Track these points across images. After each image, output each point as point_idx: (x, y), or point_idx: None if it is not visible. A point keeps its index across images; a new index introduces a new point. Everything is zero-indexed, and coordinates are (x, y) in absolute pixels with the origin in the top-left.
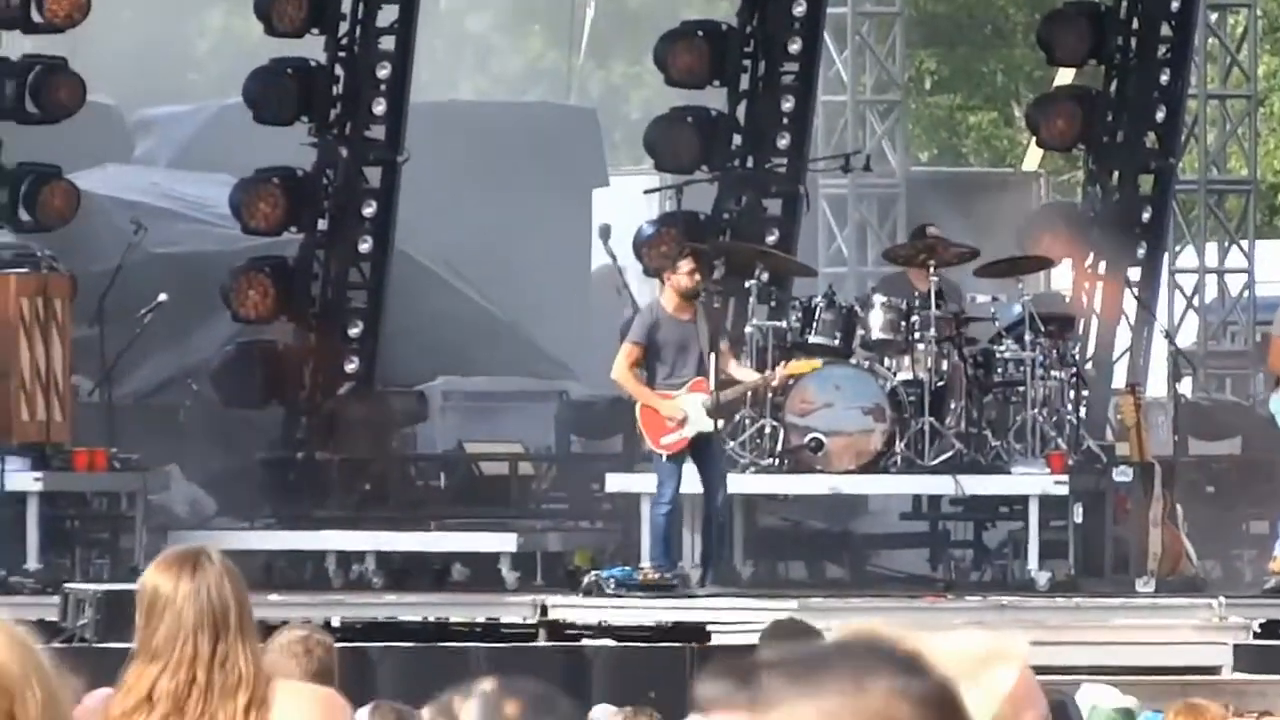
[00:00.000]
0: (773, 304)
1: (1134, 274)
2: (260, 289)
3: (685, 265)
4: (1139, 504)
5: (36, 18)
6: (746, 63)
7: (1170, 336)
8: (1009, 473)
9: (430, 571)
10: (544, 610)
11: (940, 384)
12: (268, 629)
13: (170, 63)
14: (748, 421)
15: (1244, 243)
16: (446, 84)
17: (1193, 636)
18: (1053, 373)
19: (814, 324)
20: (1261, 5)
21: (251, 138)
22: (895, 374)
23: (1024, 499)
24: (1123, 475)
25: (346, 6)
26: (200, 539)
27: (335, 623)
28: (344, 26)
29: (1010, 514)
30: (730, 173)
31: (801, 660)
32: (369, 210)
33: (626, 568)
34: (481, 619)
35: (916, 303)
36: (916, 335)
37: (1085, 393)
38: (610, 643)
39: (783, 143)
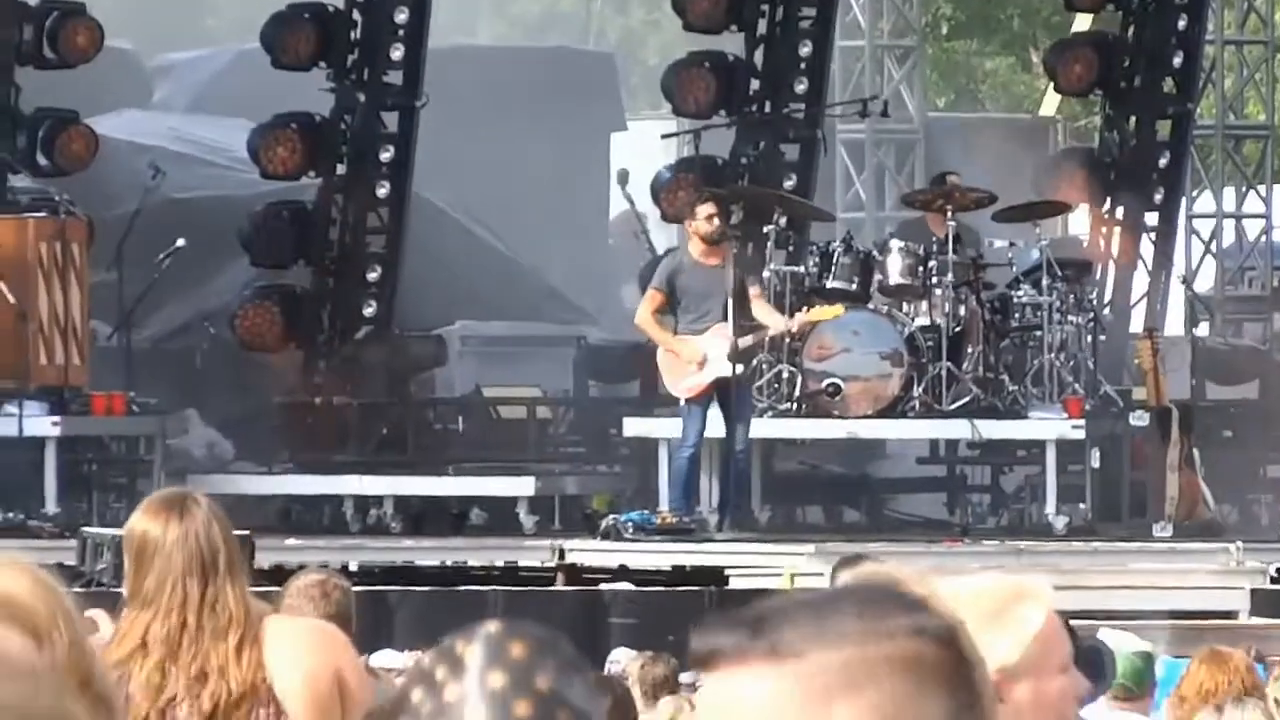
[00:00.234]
0: (790, 249)
1: (1151, 219)
2: (278, 234)
3: (704, 210)
4: (1156, 448)
5: None
6: (764, 7)
7: (1187, 281)
8: (1026, 417)
9: (448, 516)
10: (562, 554)
11: (957, 329)
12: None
13: (188, 7)
14: (765, 367)
15: (1261, 188)
16: (464, 28)
17: (1210, 581)
18: (1070, 318)
19: (832, 269)
20: None
21: (269, 82)
22: (913, 319)
23: (1041, 444)
24: (1140, 420)
25: None
26: (218, 483)
27: (353, 567)
28: None
29: (1027, 458)
30: (748, 118)
31: (815, 606)
32: (387, 155)
33: (644, 512)
34: (499, 563)
35: (934, 248)
36: (934, 280)
37: (1102, 337)
38: (628, 586)
39: (800, 88)
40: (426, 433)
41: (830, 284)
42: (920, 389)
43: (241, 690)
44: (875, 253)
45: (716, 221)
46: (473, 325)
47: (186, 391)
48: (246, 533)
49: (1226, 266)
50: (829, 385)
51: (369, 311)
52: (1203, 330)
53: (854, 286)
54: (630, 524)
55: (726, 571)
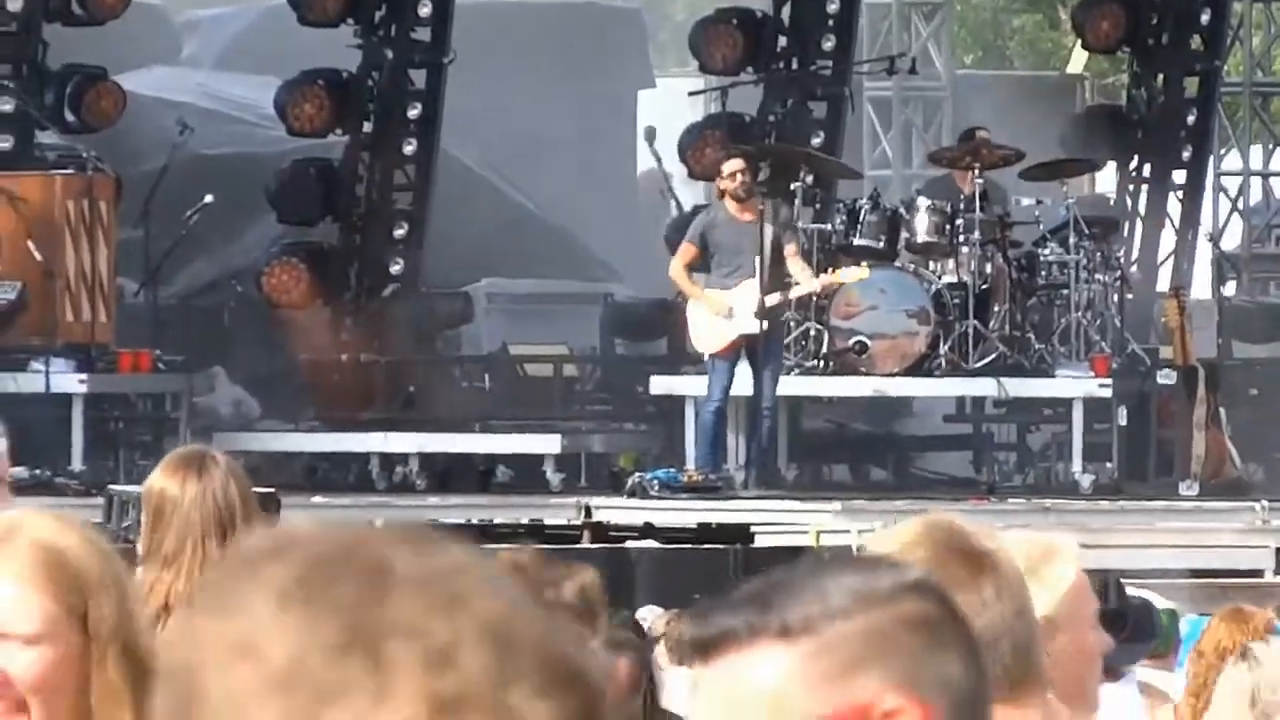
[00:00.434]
0: (817, 207)
1: (1178, 177)
2: (305, 191)
3: (731, 167)
4: (1183, 407)
5: None
6: None
7: (1215, 239)
8: (1053, 376)
9: (474, 473)
10: (588, 512)
11: (984, 287)
12: None
13: None
14: (793, 324)
15: None
16: None
17: (1236, 540)
18: (1096, 276)
19: (858, 227)
20: None
21: (297, 39)
22: (939, 277)
23: (1067, 402)
24: (1166, 378)
25: None
26: (244, 440)
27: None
28: None
29: (1054, 417)
30: (775, 75)
31: (813, 577)
32: (414, 112)
33: (670, 469)
34: (525, 521)
35: (961, 205)
36: (961, 238)
37: (1129, 296)
38: (654, 544)
39: (828, 45)
40: (453, 390)
41: (857, 242)
42: (947, 347)
43: None
44: (902, 210)
45: (740, 178)
46: (499, 283)
47: (213, 349)
48: (272, 490)
49: (1254, 224)
50: (856, 343)
51: (395, 269)
52: (1230, 288)
53: (881, 244)
54: (656, 482)
55: (752, 529)
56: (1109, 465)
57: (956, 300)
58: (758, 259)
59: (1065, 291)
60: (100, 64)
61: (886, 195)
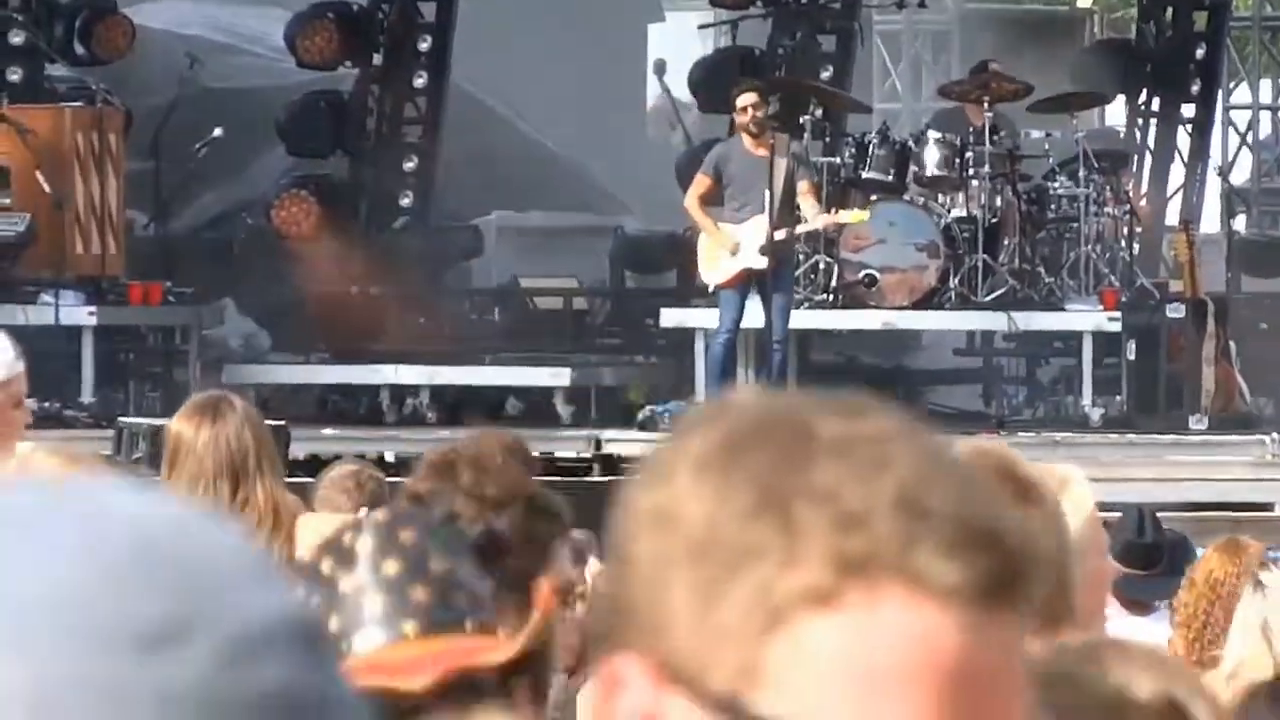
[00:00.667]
0: (826, 140)
1: (1188, 111)
2: (315, 124)
3: (744, 101)
4: (1192, 341)
5: None
6: None
7: (1224, 173)
8: (1062, 309)
9: (484, 406)
10: (599, 445)
11: (994, 220)
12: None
13: None
14: (802, 257)
15: None
16: None
17: (1245, 473)
18: (1106, 209)
19: (868, 160)
20: None
21: None
22: (949, 210)
23: (1077, 335)
24: (1175, 312)
25: None
26: (254, 373)
27: (389, 457)
28: None
29: (1063, 350)
30: (785, 8)
31: None
32: (424, 45)
33: (681, 402)
34: (535, 454)
35: (971, 139)
36: (970, 172)
37: (1138, 229)
38: None
39: None
40: (463, 323)
41: (866, 175)
42: (956, 280)
43: None
44: (911, 144)
45: (752, 112)
46: (509, 216)
47: (223, 281)
48: (282, 423)
49: (1263, 159)
50: (865, 276)
51: (405, 202)
52: (1239, 223)
53: (890, 178)
54: (667, 415)
55: None
56: (1118, 399)
57: (966, 234)
58: (769, 193)
59: (1075, 225)
60: None
61: (896, 129)
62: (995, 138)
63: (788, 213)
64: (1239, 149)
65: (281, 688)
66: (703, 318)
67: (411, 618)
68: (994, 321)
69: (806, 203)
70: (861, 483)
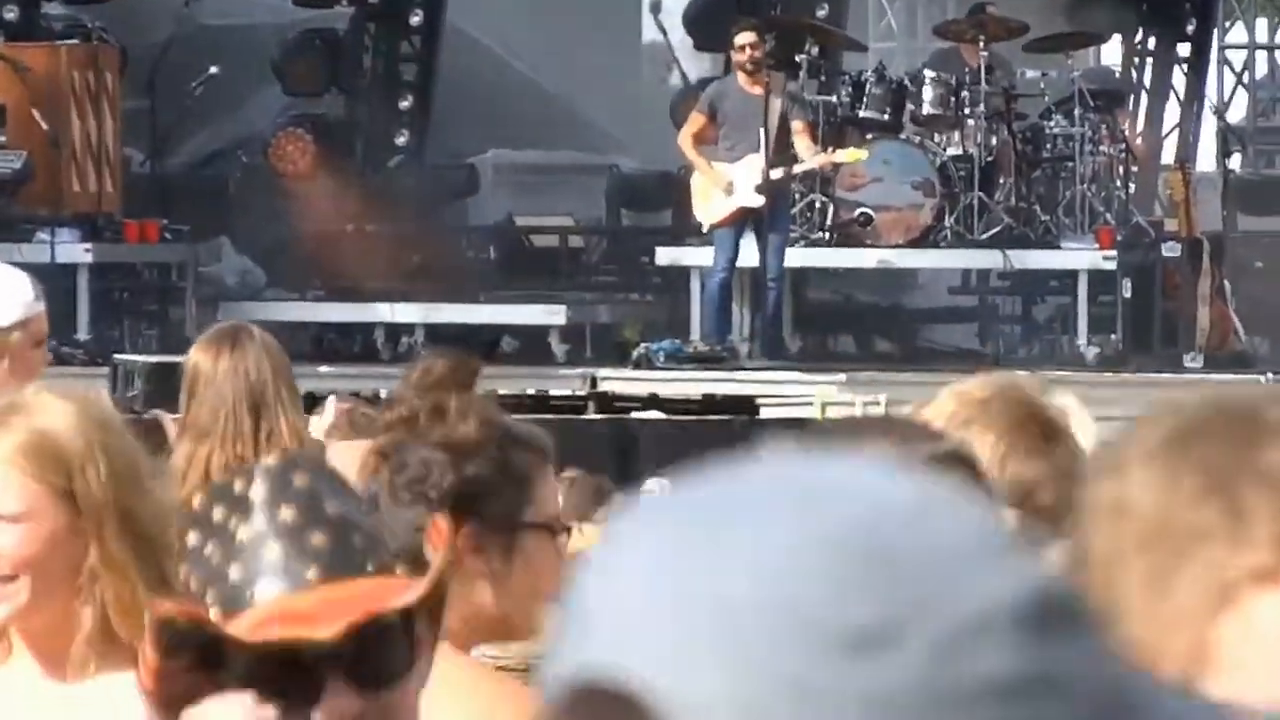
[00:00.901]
0: (822, 79)
1: (1183, 50)
2: (310, 62)
3: (742, 39)
4: (1187, 279)
5: None
6: None
7: (1220, 112)
8: (1058, 248)
9: (479, 344)
10: (594, 383)
11: (989, 159)
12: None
13: None
14: (798, 196)
15: None
16: None
17: None
18: (1102, 148)
19: (864, 99)
20: None
21: None
22: (945, 149)
23: (1073, 274)
24: (1171, 251)
25: None
26: (250, 310)
27: (384, 395)
28: None
29: (1059, 289)
30: None
31: (848, 441)
32: None
33: (676, 340)
34: (530, 391)
35: (967, 78)
36: (966, 111)
37: (1134, 168)
38: (659, 415)
39: None
40: (458, 261)
41: (862, 114)
42: (952, 219)
43: None
44: (908, 83)
45: (749, 51)
46: (505, 154)
47: (219, 219)
48: None
49: (1259, 98)
50: (861, 215)
51: (401, 140)
52: (1234, 161)
53: (886, 116)
54: (662, 353)
55: (758, 401)
56: (1114, 337)
57: (962, 172)
58: (763, 132)
59: (1070, 164)
60: None
61: (892, 68)
62: (991, 77)
63: (782, 152)
64: (1235, 88)
65: (1002, 676)
66: (698, 256)
67: (313, 563)
68: (989, 260)
69: (801, 142)
70: None
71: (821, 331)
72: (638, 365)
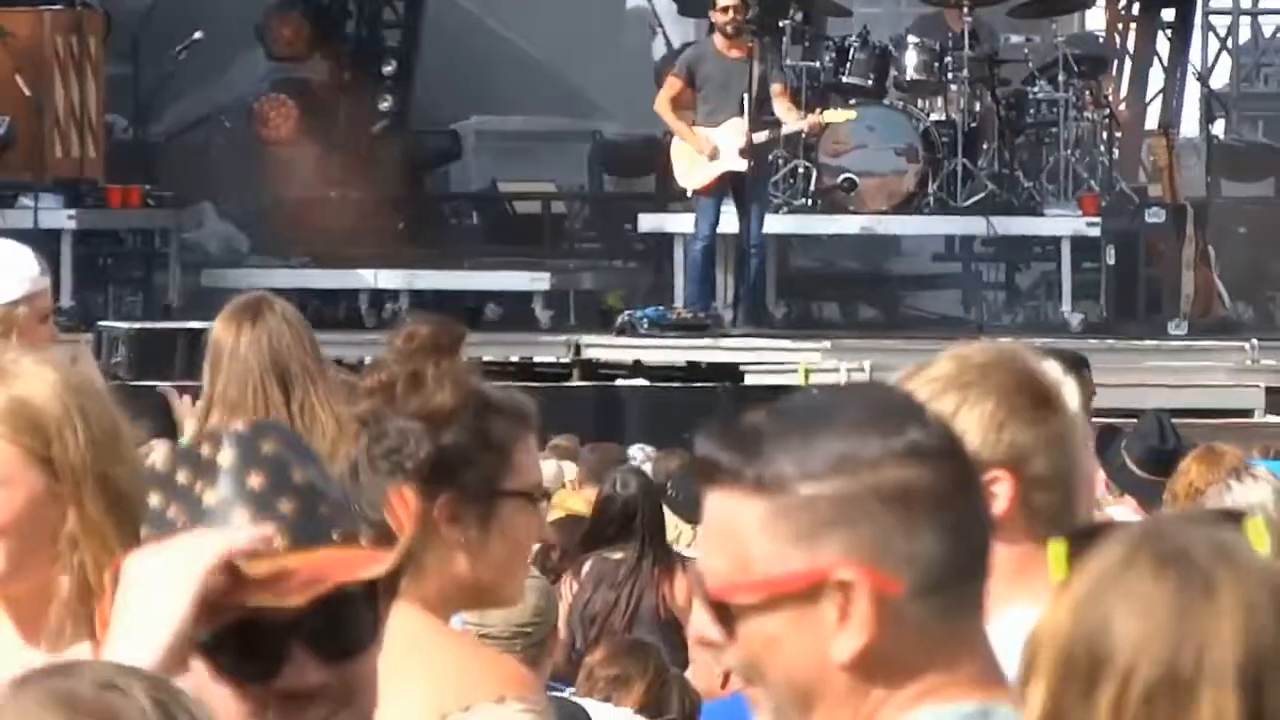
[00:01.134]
0: (806, 44)
1: (1167, 15)
2: (294, 27)
3: (724, 1)
4: (1171, 246)
5: None
6: None
7: (1203, 78)
8: (1041, 214)
9: (463, 310)
10: (578, 349)
11: (973, 125)
12: None
13: None
14: (781, 162)
15: None
16: None
17: (1225, 379)
18: (1085, 114)
19: (847, 64)
20: None
21: None
22: (928, 115)
23: (1056, 240)
24: (1155, 217)
25: None
26: (233, 277)
27: (368, 361)
28: None
29: (1042, 255)
30: None
31: (806, 426)
32: None
33: (659, 307)
34: (515, 358)
35: (950, 44)
36: (950, 76)
37: (1118, 134)
38: (643, 382)
39: None
40: (442, 227)
41: (846, 79)
42: (935, 185)
43: None
44: (891, 48)
45: (732, 14)
46: (488, 120)
47: (202, 185)
48: None
49: (1243, 63)
50: (844, 180)
51: (385, 106)
52: (1218, 127)
53: (869, 82)
54: (645, 319)
55: (741, 367)
56: (1098, 304)
57: (945, 138)
58: (745, 96)
59: (1054, 130)
60: None
61: (876, 33)
62: (975, 43)
63: (765, 115)
64: (1219, 54)
65: None
66: (681, 222)
67: (280, 531)
68: (973, 226)
69: (781, 105)
70: None
71: (805, 298)
72: (621, 332)
